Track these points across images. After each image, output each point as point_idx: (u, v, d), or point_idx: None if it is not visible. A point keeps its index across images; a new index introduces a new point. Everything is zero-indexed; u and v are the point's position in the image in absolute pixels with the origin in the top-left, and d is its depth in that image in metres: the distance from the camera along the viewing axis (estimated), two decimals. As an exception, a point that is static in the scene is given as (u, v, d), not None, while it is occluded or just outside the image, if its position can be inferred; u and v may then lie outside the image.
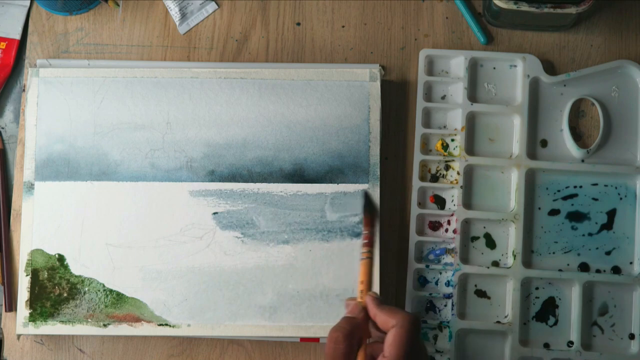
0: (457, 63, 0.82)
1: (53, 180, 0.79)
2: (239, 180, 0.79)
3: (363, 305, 0.67)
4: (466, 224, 0.80)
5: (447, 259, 0.79)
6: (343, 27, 0.83)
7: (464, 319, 0.79)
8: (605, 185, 0.80)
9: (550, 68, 0.82)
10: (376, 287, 0.77)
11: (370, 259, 0.69)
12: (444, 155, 0.80)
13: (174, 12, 0.83)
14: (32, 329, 0.77)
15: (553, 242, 0.80)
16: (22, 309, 0.77)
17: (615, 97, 0.81)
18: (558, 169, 0.80)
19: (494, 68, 0.82)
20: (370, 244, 0.70)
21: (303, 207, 0.78)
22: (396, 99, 0.82)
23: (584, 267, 0.79)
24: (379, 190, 0.78)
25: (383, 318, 0.64)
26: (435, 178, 0.80)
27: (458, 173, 0.80)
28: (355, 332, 0.65)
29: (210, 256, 0.78)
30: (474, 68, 0.82)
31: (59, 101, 0.80)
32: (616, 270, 0.79)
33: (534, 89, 0.81)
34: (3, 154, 0.82)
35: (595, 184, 0.80)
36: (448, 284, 0.79)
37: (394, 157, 0.81)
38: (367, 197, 0.76)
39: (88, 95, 0.80)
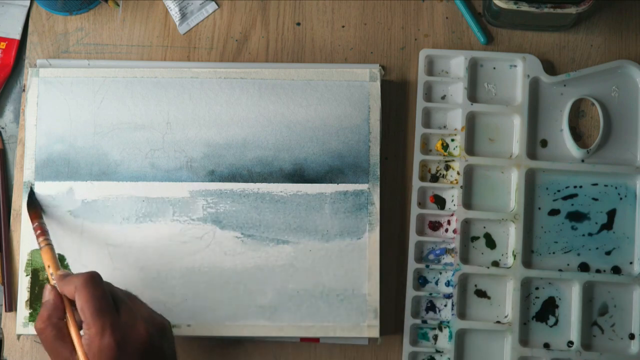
0: (457, 63, 0.82)
1: (53, 180, 0.79)
2: (239, 180, 0.79)
3: (52, 286, 0.68)
4: (466, 224, 0.80)
5: (447, 259, 0.79)
6: (343, 27, 0.83)
7: (464, 319, 0.79)
8: (605, 185, 0.80)
9: (550, 68, 0.82)
10: (375, 287, 0.77)
11: (49, 245, 0.72)
12: (444, 155, 0.80)
13: (174, 12, 0.83)
14: (32, 329, 0.77)
15: (553, 242, 0.80)
16: (22, 309, 0.77)
17: (615, 97, 0.81)
18: (558, 169, 0.80)
19: (494, 68, 0.82)
20: (44, 233, 0.73)
21: (303, 207, 0.78)
22: (396, 99, 0.82)
23: (584, 267, 0.79)
24: (379, 190, 0.78)
25: (67, 289, 0.66)
26: (435, 178, 0.80)
27: (458, 173, 0.80)
28: (54, 313, 0.66)
29: (210, 256, 0.78)
30: (474, 68, 0.82)
31: (59, 101, 0.80)
32: (616, 270, 0.79)
33: (534, 89, 0.81)
34: (3, 154, 0.82)
35: (595, 184, 0.80)
36: (448, 284, 0.79)
37: (394, 157, 0.81)
38: (31, 193, 0.78)
39: (88, 95, 0.80)
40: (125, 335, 0.64)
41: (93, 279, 0.65)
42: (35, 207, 0.77)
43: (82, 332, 0.65)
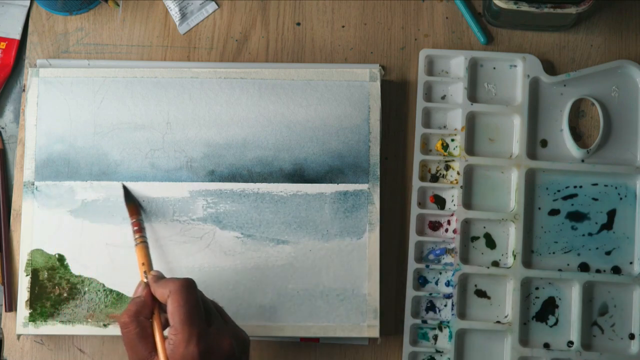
0: (457, 63, 0.82)
1: (53, 180, 0.79)
2: (239, 180, 0.79)
3: (147, 284, 0.68)
4: (466, 224, 0.80)
5: (447, 259, 0.79)
6: (343, 27, 0.83)
7: (464, 319, 0.79)
8: (605, 185, 0.80)
9: (550, 68, 0.82)
10: (375, 287, 0.77)
11: (144, 242, 0.73)
12: (444, 155, 0.80)
13: (174, 12, 0.83)
14: (32, 329, 0.77)
15: (553, 242, 0.80)
16: (22, 309, 0.77)
17: (615, 97, 0.81)
18: (558, 169, 0.80)
19: (494, 68, 0.82)
20: (140, 230, 0.74)
21: (303, 207, 0.78)
22: (396, 99, 0.82)
23: (584, 267, 0.79)
24: (379, 190, 0.78)
25: (159, 291, 0.66)
26: (435, 178, 0.80)
27: (458, 173, 0.80)
28: (142, 311, 0.66)
29: (210, 256, 0.78)
30: (474, 68, 0.82)
31: (59, 101, 0.80)
32: (616, 270, 0.79)
33: (534, 89, 0.81)
34: (3, 154, 0.82)
35: (595, 184, 0.80)
36: (448, 284, 0.79)
37: (394, 157, 0.81)
38: (125, 189, 0.78)
39: (88, 95, 0.80)
40: (209, 346, 0.63)
41: (189, 286, 0.65)
42: (134, 202, 0.77)
43: (165, 335, 0.65)
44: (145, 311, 0.66)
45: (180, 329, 0.63)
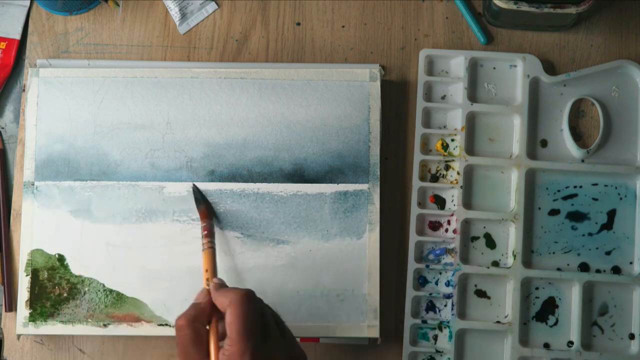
0: (457, 63, 0.82)
1: (53, 180, 0.79)
2: (239, 180, 0.79)
3: (209, 291, 0.68)
4: (466, 224, 0.80)
5: (447, 259, 0.79)
6: (343, 27, 0.83)
7: (464, 319, 0.79)
8: (605, 185, 0.80)
9: (550, 68, 0.82)
10: (375, 287, 0.77)
11: (212, 248, 0.72)
12: (444, 155, 0.80)
13: (174, 12, 0.83)
14: (32, 329, 0.77)
15: (553, 242, 0.80)
16: (22, 309, 0.77)
17: (615, 97, 0.81)
18: (558, 169, 0.80)
19: (494, 68, 0.82)
20: (209, 235, 0.73)
21: (303, 207, 0.78)
22: (396, 99, 0.82)
23: (584, 267, 0.79)
24: (379, 190, 0.78)
25: (219, 300, 0.65)
26: (435, 178, 0.80)
27: (458, 173, 0.80)
28: (200, 317, 0.65)
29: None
30: (474, 68, 0.82)
31: (59, 101, 0.80)
32: (616, 270, 0.79)
33: (534, 89, 0.81)
34: (3, 154, 0.82)
35: (595, 184, 0.80)
36: (448, 284, 0.79)
37: (394, 157, 0.81)
38: (196, 191, 0.77)
39: (88, 95, 0.80)
40: None
41: (249, 298, 0.64)
42: (206, 205, 0.76)
43: (221, 344, 0.65)
44: (203, 318, 0.66)
45: (236, 341, 0.62)
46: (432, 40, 0.83)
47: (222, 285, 0.68)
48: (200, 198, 0.77)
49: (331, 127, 0.79)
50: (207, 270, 0.71)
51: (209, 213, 0.76)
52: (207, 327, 0.66)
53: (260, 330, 0.63)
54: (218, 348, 0.64)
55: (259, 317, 0.64)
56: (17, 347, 0.79)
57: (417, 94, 0.81)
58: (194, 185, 0.78)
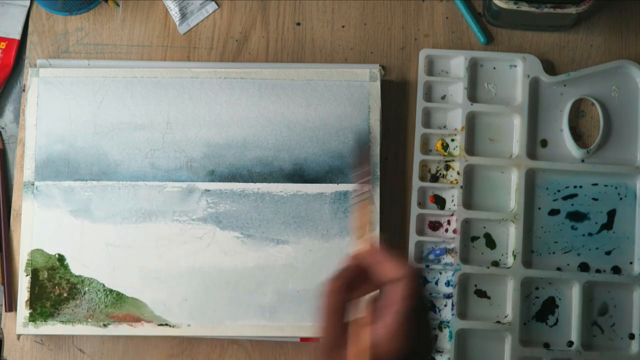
0: (457, 63, 0.82)
1: (53, 180, 0.79)
2: (239, 180, 0.79)
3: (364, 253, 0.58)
4: (466, 224, 0.80)
5: (447, 259, 0.79)
6: (343, 27, 0.83)
7: (464, 319, 0.79)
8: (605, 185, 0.80)
9: (550, 68, 0.82)
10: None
11: (369, 199, 0.64)
12: (444, 155, 0.80)
13: (174, 12, 0.83)
14: (32, 329, 0.77)
15: (553, 242, 0.80)
16: (22, 309, 0.77)
17: (615, 97, 0.81)
18: (558, 169, 0.80)
19: (494, 68, 0.82)
20: (368, 183, 0.64)
21: (303, 207, 0.78)
22: (396, 99, 0.82)
23: (584, 267, 0.79)
24: (379, 190, 0.78)
25: (389, 267, 0.55)
26: (435, 178, 0.80)
27: (458, 173, 0.80)
28: (353, 282, 0.56)
29: (210, 256, 0.78)
30: (474, 68, 0.82)
31: (59, 101, 0.80)
32: (616, 270, 0.79)
33: (534, 89, 0.81)
34: (3, 154, 0.82)
35: (595, 184, 0.80)
36: (448, 284, 0.79)
37: (394, 157, 0.81)
38: (360, 141, 0.74)
39: (88, 95, 0.80)
40: (411, 348, 0.54)
41: (417, 276, 0.55)
42: (364, 150, 0.70)
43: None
44: (355, 284, 0.56)
45: (393, 323, 0.53)
46: (432, 40, 0.83)
47: (386, 252, 0.56)
48: (362, 146, 0.72)
49: (331, 127, 0.79)
50: (362, 227, 0.61)
51: (367, 157, 0.69)
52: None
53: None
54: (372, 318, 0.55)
55: (423, 298, 0.55)
56: (17, 347, 0.79)
57: (417, 94, 0.81)
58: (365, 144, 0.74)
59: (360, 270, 0.56)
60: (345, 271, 0.56)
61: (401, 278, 0.54)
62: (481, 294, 0.79)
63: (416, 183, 0.80)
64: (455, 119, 0.81)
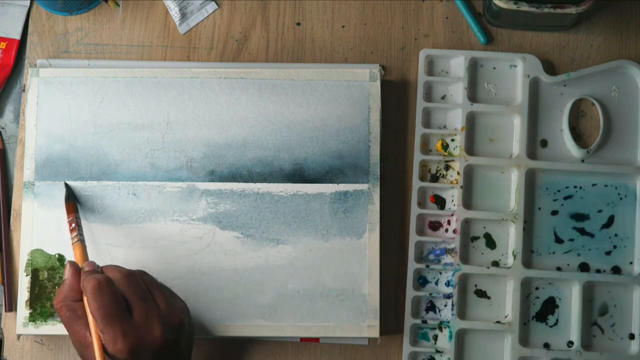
0: (457, 63, 0.82)
1: (53, 180, 0.79)
2: (239, 180, 0.79)
3: (72, 265, 0.70)
4: (466, 224, 0.80)
5: (447, 259, 0.79)
6: (343, 27, 0.83)
7: (464, 319, 0.79)
8: (605, 185, 0.80)
9: (550, 68, 0.82)
10: (375, 287, 0.77)
11: (81, 241, 0.73)
12: (444, 155, 0.80)
13: (174, 12, 0.83)
14: (32, 329, 0.77)
15: (553, 242, 0.80)
16: (22, 309, 0.77)
17: (615, 97, 0.81)
18: (558, 169, 0.80)
19: (494, 68, 0.82)
20: (76, 228, 0.74)
21: (303, 207, 0.78)
22: (396, 99, 0.82)
23: (584, 267, 0.79)
24: (379, 190, 0.78)
25: (83, 290, 0.67)
26: (435, 178, 0.80)
27: (458, 173, 0.80)
28: (69, 295, 0.68)
29: (210, 256, 0.78)
30: (474, 68, 0.82)
31: (59, 101, 0.80)
32: (616, 270, 0.79)
33: (534, 89, 0.81)
34: (3, 154, 0.82)
35: (595, 184, 0.80)
36: (448, 284, 0.79)
37: (394, 157, 0.81)
38: (67, 187, 0.78)
39: (88, 95, 0.80)
40: (138, 339, 0.65)
41: (100, 288, 0.66)
42: (72, 201, 0.77)
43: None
44: (73, 294, 0.68)
45: (104, 329, 0.64)
46: (432, 40, 0.83)
47: (90, 272, 0.68)
48: (69, 194, 0.78)
49: (331, 127, 0.79)
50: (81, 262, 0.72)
51: (75, 207, 0.77)
52: (81, 302, 0.68)
53: (126, 313, 0.65)
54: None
55: (117, 302, 0.65)
56: (17, 347, 0.79)
57: (417, 94, 0.81)
58: (66, 182, 0.78)
59: (74, 282, 0.69)
60: (62, 288, 0.69)
61: (87, 298, 0.66)
62: (481, 294, 0.79)
63: (416, 183, 0.80)
64: (455, 119, 0.81)
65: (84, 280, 0.67)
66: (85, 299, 0.67)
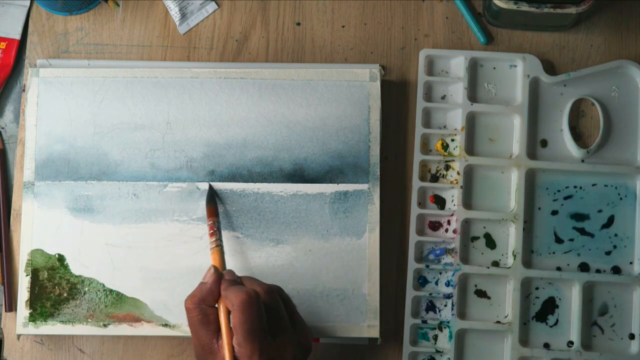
0: (457, 63, 0.82)
1: (53, 180, 0.79)
2: (239, 180, 0.79)
3: (215, 270, 0.68)
4: (466, 224, 0.80)
5: (447, 259, 0.79)
6: (343, 27, 0.83)
7: (464, 319, 0.79)
8: (605, 185, 0.80)
9: (550, 68, 0.82)
10: (375, 287, 0.77)
11: (220, 247, 0.72)
12: (444, 155, 0.80)
13: (174, 12, 0.83)
14: (32, 329, 0.77)
15: (553, 242, 0.80)
16: (22, 309, 0.77)
17: (615, 97, 0.81)
18: (558, 169, 0.80)
19: (494, 68, 0.82)
20: (216, 233, 0.73)
21: (303, 207, 0.78)
22: (396, 99, 0.82)
23: (584, 267, 0.79)
24: (379, 190, 0.78)
25: (226, 300, 0.65)
26: (435, 178, 0.80)
27: (458, 173, 0.80)
28: (206, 298, 0.66)
29: (210, 256, 0.78)
30: (474, 68, 0.82)
31: (59, 101, 0.80)
32: (616, 270, 0.79)
33: (534, 89, 0.81)
34: (3, 154, 0.82)
35: (595, 184, 0.80)
36: (448, 284, 0.79)
37: (394, 157, 0.81)
38: (210, 188, 0.77)
39: (88, 95, 0.80)
40: (272, 359, 0.63)
41: (250, 303, 0.63)
42: (213, 203, 0.76)
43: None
44: (210, 299, 0.66)
45: (243, 343, 0.63)
46: (432, 40, 0.83)
47: (232, 282, 0.67)
48: (212, 196, 0.77)
49: (331, 127, 0.79)
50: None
51: (215, 211, 0.75)
52: (215, 307, 0.66)
53: (266, 330, 0.64)
54: (229, 327, 0.65)
55: (262, 319, 0.64)
56: (17, 347, 0.79)
57: (417, 94, 0.81)
58: (210, 184, 0.78)
59: (210, 288, 0.66)
60: (199, 289, 0.67)
61: (231, 309, 0.64)
62: (481, 294, 0.79)
63: (416, 183, 0.80)
64: (455, 119, 0.81)
65: (231, 291, 0.65)
66: (222, 306, 0.66)
